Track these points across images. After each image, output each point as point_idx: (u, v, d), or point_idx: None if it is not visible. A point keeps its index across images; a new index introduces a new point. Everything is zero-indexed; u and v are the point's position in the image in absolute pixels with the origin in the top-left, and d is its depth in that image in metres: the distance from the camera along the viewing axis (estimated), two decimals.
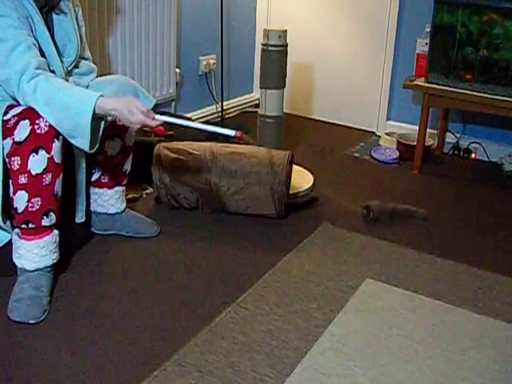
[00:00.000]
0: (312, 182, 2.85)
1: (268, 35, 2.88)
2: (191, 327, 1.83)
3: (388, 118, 3.73)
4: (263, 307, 1.94)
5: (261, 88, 2.99)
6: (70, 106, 1.75)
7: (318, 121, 3.97)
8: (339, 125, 3.91)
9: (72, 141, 1.81)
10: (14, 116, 1.77)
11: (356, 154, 3.41)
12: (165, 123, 1.86)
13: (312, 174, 2.89)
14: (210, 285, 2.06)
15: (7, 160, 1.79)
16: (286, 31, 2.89)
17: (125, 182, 2.30)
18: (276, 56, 2.90)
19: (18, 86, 1.77)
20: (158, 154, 2.51)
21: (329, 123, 3.94)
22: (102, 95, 1.78)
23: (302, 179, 2.86)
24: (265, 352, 1.73)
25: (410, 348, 1.78)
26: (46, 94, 1.75)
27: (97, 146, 1.86)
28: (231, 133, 1.86)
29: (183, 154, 2.50)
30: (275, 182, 2.43)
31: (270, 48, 2.90)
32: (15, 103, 1.83)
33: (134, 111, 1.78)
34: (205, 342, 1.75)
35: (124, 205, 2.33)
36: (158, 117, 1.82)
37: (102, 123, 1.86)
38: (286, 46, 2.92)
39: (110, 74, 2.75)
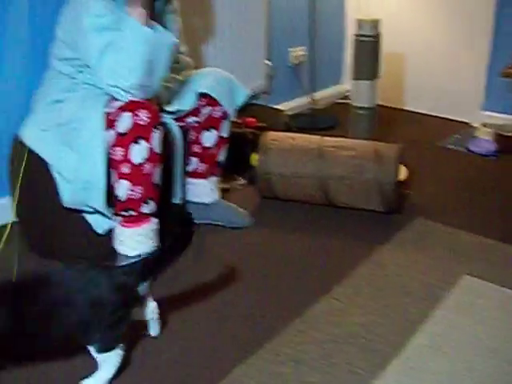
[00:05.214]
0: (406, 174, 2.79)
1: (361, 25, 2.84)
2: (284, 317, 1.84)
3: (484, 109, 3.59)
4: (357, 300, 1.93)
5: (353, 79, 2.96)
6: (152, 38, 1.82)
7: (411, 112, 3.88)
8: (432, 116, 3.80)
9: (150, 78, 1.84)
10: (116, 109, 1.84)
11: (451, 146, 3.31)
12: None
13: (406, 166, 2.83)
14: (302, 275, 2.06)
15: (110, 151, 1.86)
16: (379, 21, 2.84)
17: (219, 172, 2.34)
18: (369, 46, 2.86)
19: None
20: (263, 144, 2.52)
21: (421, 114, 3.83)
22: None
23: None
24: (359, 345, 1.72)
25: None
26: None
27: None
28: None
29: (288, 145, 2.49)
30: (382, 177, 2.35)
31: (362, 38, 2.86)
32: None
33: None
34: (299, 332, 1.76)
35: (218, 195, 2.37)
36: None
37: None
38: (380, 35, 2.87)
39: (203, 67, 2.80)
